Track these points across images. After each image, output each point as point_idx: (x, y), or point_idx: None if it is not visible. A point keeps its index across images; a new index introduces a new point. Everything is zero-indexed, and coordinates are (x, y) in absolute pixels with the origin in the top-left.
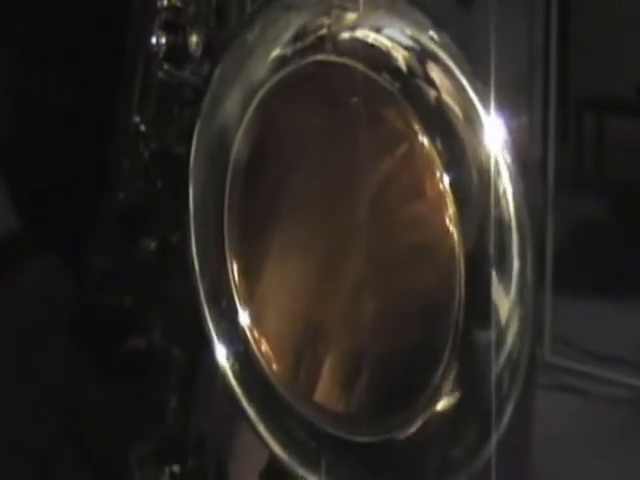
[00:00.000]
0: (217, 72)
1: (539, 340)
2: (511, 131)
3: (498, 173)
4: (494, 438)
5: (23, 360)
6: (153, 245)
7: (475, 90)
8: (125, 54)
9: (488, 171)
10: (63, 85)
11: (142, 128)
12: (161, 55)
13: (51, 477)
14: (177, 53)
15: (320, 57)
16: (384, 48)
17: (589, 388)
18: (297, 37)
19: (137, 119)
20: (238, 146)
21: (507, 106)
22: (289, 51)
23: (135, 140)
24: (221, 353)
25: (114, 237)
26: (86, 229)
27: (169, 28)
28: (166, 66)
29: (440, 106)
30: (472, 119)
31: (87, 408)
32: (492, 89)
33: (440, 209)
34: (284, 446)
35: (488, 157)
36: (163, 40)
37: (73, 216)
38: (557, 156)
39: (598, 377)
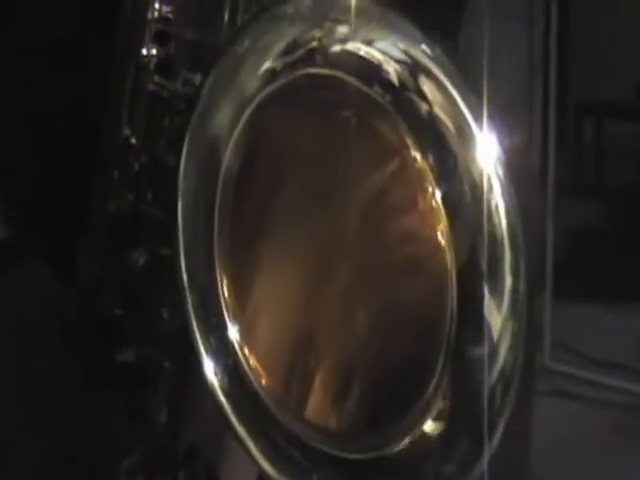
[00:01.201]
0: (208, 83)
1: (538, 346)
2: (504, 146)
3: (490, 188)
4: (486, 453)
5: (12, 369)
6: (143, 256)
7: (468, 104)
8: (115, 66)
9: (480, 186)
10: (55, 95)
11: (132, 140)
12: (151, 67)
13: None
14: (168, 65)
15: (311, 70)
16: (376, 61)
17: (588, 394)
18: (288, 50)
19: (127, 131)
20: (229, 158)
21: (501, 120)
22: (279, 65)
23: (125, 152)
24: (209, 368)
25: (104, 248)
26: (76, 240)
27: (160, 39)
28: (157, 78)
29: (432, 120)
30: (464, 133)
31: (76, 418)
32: (485, 103)
33: (432, 223)
34: (273, 463)
35: (480, 171)
36: (154, 51)
37: (63, 227)
38: (557, 161)
39: (597, 383)
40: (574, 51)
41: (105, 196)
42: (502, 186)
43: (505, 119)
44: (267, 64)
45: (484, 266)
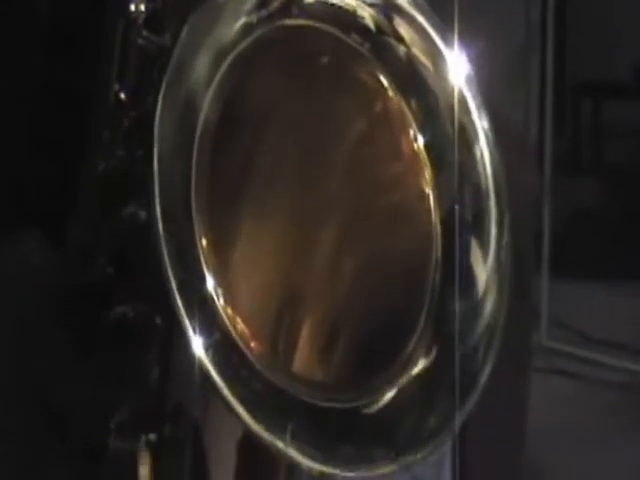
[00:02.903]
0: (184, 33)
1: (535, 324)
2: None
3: (476, 138)
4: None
5: (3, 331)
6: (134, 213)
7: (444, 39)
8: (104, 21)
9: (464, 129)
10: (41, 55)
11: (122, 96)
12: (140, 21)
13: (27, 442)
14: (156, 19)
15: (288, 21)
16: (350, 8)
17: (585, 372)
18: (262, 3)
19: (117, 87)
20: (206, 112)
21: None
22: (254, 18)
23: (115, 108)
24: (197, 342)
25: (95, 208)
26: (67, 200)
27: None
28: (145, 32)
29: (411, 61)
30: (442, 70)
31: (68, 377)
32: (456, 29)
33: (416, 171)
34: (250, 411)
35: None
36: (142, 7)
37: (53, 188)
38: (554, 140)
39: (594, 361)
40: (571, 32)
41: (95, 155)
42: (487, 137)
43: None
44: (243, 19)
45: (469, 215)
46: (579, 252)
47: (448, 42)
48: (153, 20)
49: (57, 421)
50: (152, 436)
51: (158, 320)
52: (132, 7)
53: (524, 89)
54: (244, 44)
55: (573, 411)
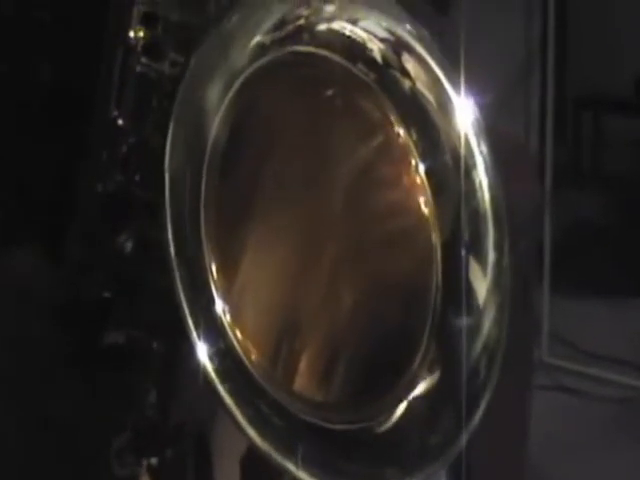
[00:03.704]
0: (194, 59)
1: (536, 340)
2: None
3: (474, 164)
4: (464, 427)
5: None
6: (132, 237)
7: (449, 79)
8: (103, 47)
9: (464, 158)
10: (43, 79)
11: (120, 122)
12: (139, 48)
13: (28, 468)
14: (155, 46)
15: (298, 48)
16: (360, 40)
17: (586, 388)
18: (276, 26)
19: (115, 113)
20: (216, 134)
21: (485, 95)
22: (268, 39)
23: (113, 133)
24: (202, 351)
25: (93, 229)
26: (65, 223)
27: (147, 21)
28: (144, 59)
29: (415, 95)
30: (446, 107)
31: (66, 399)
32: (462, 74)
33: (416, 197)
34: (260, 432)
35: (462, 143)
36: (141, 33)
37: (52, 208)
38: (555, 153)
39: (595, 377)
40: (572, 44)
41: (94, 178)
42: (485, 162)
43: (489, 94)
44: (257, 39)
45: (467, 238)
46: (580, 266)
47: (454, 82)
48: (152, 47)
49: (56, 443)
50: (153, 460)
51: (155, 345)
52: (131, 34)
53: (525, 101)
54: (254, 67)
55: (574, 426)
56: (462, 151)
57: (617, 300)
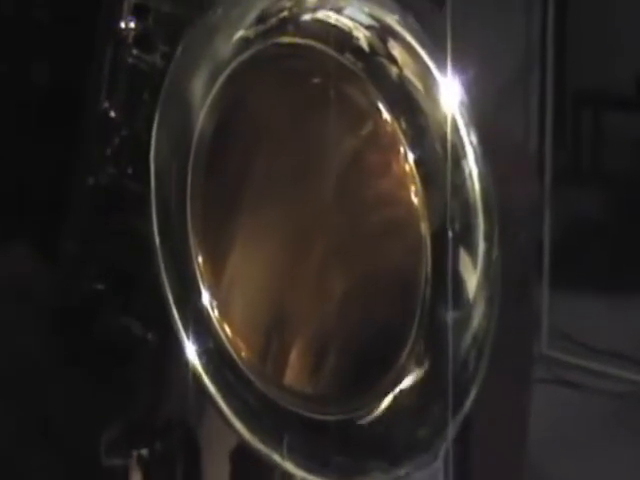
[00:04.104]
0: (179, 52)
1: (536, 334)
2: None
3: (464, 154)
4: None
5: None
6: (124, 230)
7: (436, 64)
8: (94, 40)
9: (452, 145)
10: (33, 71)
11: (112, 114)
12: (130, 40)
13: (18, 461)
14: (146, 38)
15: (283, 39)
16: (346, 28)
17: (586, 382)
18: (260, 19)
19: (107, 105)
20: (201, 128)
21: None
22: (252, 33)
23: (105, 126)
24: (189, 347)
25: (85, 223)
26: (57, 215)
27: (138, 13)
28: (135, 51)
29: (402, 82)
30: (434, 93)
31: (57, 392)
32: (449, 55)
33: (406, 187)
34: (248, 425)
35: (450, 128)
36: (132, 25)
37: (45, 202)
38: (554, 150)
39: (595, 371)
40: (572, 42)
41: (86, 171)
42: (475, 153)
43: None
44: (240, 32)
45: (458, 230)
46: (579, 262)
47: (441, 66)
48: (143, 38)
49: (47, 434)
50: (144, 452)
51: (149, 336)
52: (122, 25)
53: (524, 99)
54: (239, 60)
55: (574, 420)
56: (449, 135)
57: (617, 294)
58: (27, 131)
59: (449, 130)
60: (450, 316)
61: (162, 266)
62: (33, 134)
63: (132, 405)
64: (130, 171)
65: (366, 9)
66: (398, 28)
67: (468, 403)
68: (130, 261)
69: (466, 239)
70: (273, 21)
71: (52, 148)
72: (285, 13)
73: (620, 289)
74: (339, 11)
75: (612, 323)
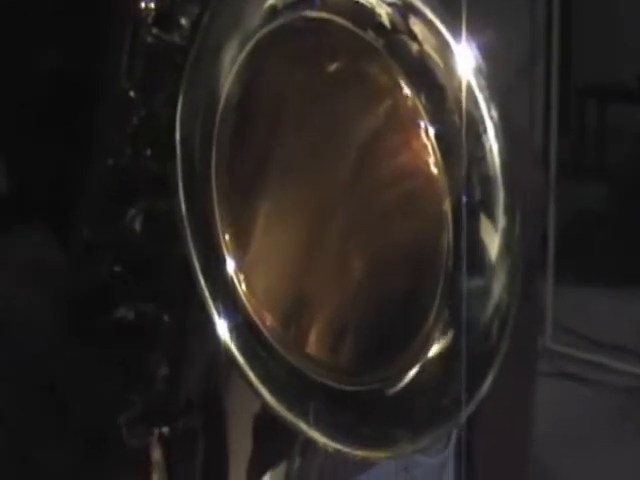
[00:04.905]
0: (206, 20)
1: (540, 328)
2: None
3: (484, 129)
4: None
5: (10, 328)
6: (141, 212)
7: (452, 34)
8: (113, 19)
9: (473, 121)
10: (51, 52)
11: (131, 94)
12: (150, 19)
13: (37, 446)
14: (166, 17)
15: (310, 13)
16: (369, 5)
17: (590, 376)
18: None
19: (126, 85)
20: (226, 98)
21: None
22: (281, 3)
23: (124, 106)
24: (221, 325)
25: (101, 206)
26: (73, 198)
27: None
28: (155, 30)
29: (423, 58)
30: (453, 68)
31: (76, 373)
32: (464, 26)
33: (426, 161)
34: (273, 392)
35: (471, 104)
36: (152, 4)
37: (60, 185)
38: (559, 143)
39: (599, 365)
40: (576, 35)
41: (105, 152)
42: (495, 128)
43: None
44: (270, 1)
45: (478, 199)
46: (584, 255)
47: (457, 37)
48: (163, 18)
49: (67, 416)
50: (165, 429)
51: (165, 316)
52: (142, 5)
53: (529, 92)
54: (265, 30)
55: (578, 414)
56: (464, 104)
57: (621, 288)
58: (41, 116)
59: (464, 98)
60: (465, 280)
61: (189, 236)
62: (48, 119)
63: (153, 384)
64: (148, 152)
65: None
66: (419, 4)
67: (492, 372)
68: (146, 242)
69: (486, 208)
70: None
71: (68, 132)
72: None
73: (624, 283)
74: None
75: (616, 317)
